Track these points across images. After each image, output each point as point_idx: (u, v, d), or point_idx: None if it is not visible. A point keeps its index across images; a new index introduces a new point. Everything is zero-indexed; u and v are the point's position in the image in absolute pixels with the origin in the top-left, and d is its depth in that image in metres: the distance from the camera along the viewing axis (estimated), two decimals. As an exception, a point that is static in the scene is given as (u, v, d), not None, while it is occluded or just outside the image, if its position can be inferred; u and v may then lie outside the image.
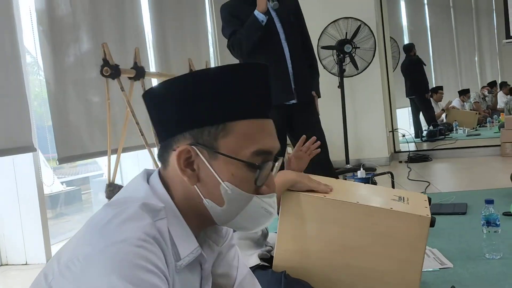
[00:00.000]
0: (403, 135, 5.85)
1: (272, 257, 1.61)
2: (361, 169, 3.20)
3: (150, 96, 0.81)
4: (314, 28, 4.39)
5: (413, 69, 7.11)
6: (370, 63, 4.56)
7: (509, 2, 4.56)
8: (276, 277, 1.45)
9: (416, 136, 7.00)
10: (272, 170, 0.82)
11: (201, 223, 0.82)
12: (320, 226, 1.53)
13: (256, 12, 2.58)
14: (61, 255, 0.73)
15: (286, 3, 2.69)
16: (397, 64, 6.94)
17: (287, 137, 2.82)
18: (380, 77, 4.95)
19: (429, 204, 1.65)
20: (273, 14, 2.68)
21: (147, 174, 0.84)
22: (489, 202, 1.88)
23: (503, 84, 9.06)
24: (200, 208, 0.79)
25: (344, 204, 1.51)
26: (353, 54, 4.48)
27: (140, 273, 0.66)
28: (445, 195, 3.07)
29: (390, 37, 5.78)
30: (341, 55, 4.46)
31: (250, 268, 1.52)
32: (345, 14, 4.55)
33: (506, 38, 4.61)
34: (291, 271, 1.52)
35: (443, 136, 6.69)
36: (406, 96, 7.38)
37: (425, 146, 6.20)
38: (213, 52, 4.64)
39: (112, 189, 2.96)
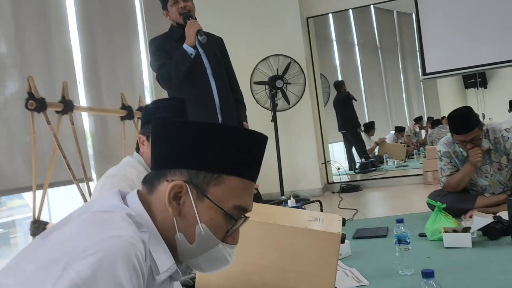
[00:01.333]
0: (338, 168, 6.10)
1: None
2: (291, 198, 3.31)
3: (164, 127, 0.90)
4: (246, 64, 4.58)
5: (343, 105, 7.49)
6: (301, 98, 4.77)
7: (424, 42, 5.00)
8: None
9: (350, 168, 7.30)
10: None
11: (171, 252, 0.88)
12: (240, 248, 1.58)
13: (185, 46, 2.67)
14: (35, 255, 0.75)
15: (212, 41, 2.82)
16: (328, 99, 7.29)
17: None
18: (312, 111, 5.17)
19: (343, 224, 1.75)
20: (201, 50, 2.79)
21: (122, 194, 0.90)
22: (400, 221, 2.02)
23: (429, 119, 9.70)
24: (170, 239, 0.87)
25: (262, 224, 1.58)
26: (285, 89, 4.67)
27: (127, 268, 0.71)
28: (370, 221, 3.23)
29: (321, 73, 6.08)
30: (273, 90, 4.64)
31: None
32: (276, 52, 4.77)
33: (423, 75, 5.01)
34: (212, 295, 1.55)
35: (375, 168, 7.01)
36: (339, 131, 7.72)
37: (358, 177, 6.47)
38: (149, 87, 4.67)
39: (38, 226, 2.86)
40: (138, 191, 0.91)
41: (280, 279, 1.55)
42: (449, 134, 2.99)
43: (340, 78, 8.87)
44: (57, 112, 3.02)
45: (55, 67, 3.26)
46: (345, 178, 5.83)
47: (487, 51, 4.75)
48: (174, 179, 0.86)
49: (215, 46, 2.86)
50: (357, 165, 7.32)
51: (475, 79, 9.82)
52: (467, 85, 10.62)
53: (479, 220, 2.32)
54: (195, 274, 1.69)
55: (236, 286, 1.57)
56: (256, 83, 4.71)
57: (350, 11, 9.10)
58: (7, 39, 2.91)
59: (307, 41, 5.41)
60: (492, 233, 2.34)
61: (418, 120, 9.94)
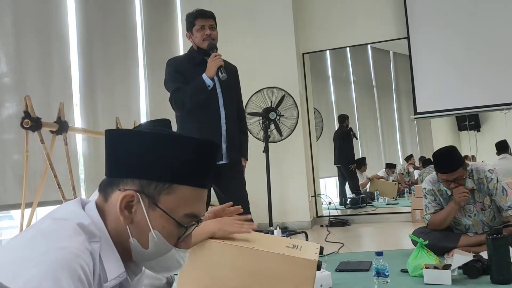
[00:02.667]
0: (329, 203, 6.15)
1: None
2: (278, 228, 3.34)
3: (116, 135, 0.93)
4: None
5: (342, 139, 7.55)
6: (293, 130, 4.85)
7: (416, 83, 5.13)
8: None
9: (342, 203, 7.34)
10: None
11: (125, 256, 0.92)
12: (216, 271, 1.61)
13: (204, 77, 2.73)
14: None
15: (228, 71, 2.85)
16: (321, 133, 7.39)
17: (217, 191, 2.94)
18: (303, 144, 5.25)
19: (321, 252, 1.79)
20: (215, 78, 2.83)
21: (82, 203, 0.93)
22: (379, 254, 2.05)
23: (421, 159, 9.80)
24: (125, 244, 0.90)
25: (241, 249, 1.61)
26: (278, 122, 4.76)
27: (72, 279, 0.73)
28: (354, 255, 3.24)
29: (314, 108, 6.20)
30: (267, 122, 4.72)
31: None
32: (270, 84, 4.88)
33: (414, 114, 5.12)
34: (189, 317, 1.57)
35: (365, 204, 7.04)
36: (334, 164, 7.77)
37: (348, 212, 6.49)
38: (146, 110, 4.73)
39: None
40: (96, 200, 0.93)
41: (256, 304, 1.57)
42: (434, 172, 3.05)
43: (335, 114, 9.02)
44: (51, 132, 3.07)
45: (53, 88, 3.34)
46: (335, 213, 5.86)
47: (478, 94, 4.89)
48: (126, 188, 0.88)
49: (230, 76, 2.87)
50: (348, 200, 7.36)
51: (468, 122, 9.97)
52: (461, 128, 10.76)
53: (459, 257, 2.35)
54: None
55: (213, 309, 1.59)
56: (250, 114, 4.80)
57: (348, 49, 9.35)
58: (7, 58, 3.00)
59: (302, 75, 5.54)
60: (472, 271, 2.37)
61: (409, 158, 10.04)
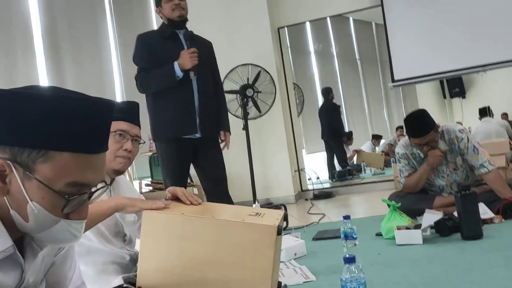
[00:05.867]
0: (317, 178, 6.17)
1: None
2: (257, 203, 3.35)
3: None
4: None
5: (330, 113, 7.45)
6: (271, 106, 4.83)
7: (392, 51, 5.11)
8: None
9: (332, 177, 7.34)
10: (89, 199, 0.87)
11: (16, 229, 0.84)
12: (179, 243, 1.61)
13: (176, 67, 2.66)
14: None
15: (199, 42, 2.83)
16: (302, 108, 7.35)
17: (194, 167, 2.92)
18: (283, 120, 5.23)
19: (285, 219, 1.79)
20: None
21: None
22: (346, 218, 2.06)
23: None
24: (8, 216, 0.82)
25: (200, 219, 1.61)
26: (256, 98, 4.73)
27: None
28: (334, 224, 3.26)
29: (294, 83, 6.16)
30: (244, 99, 4.69)
31: (112, 288, 1.56)
32: (246, 61, 4.84)
33: (392, 82, 5.12)
34: (152, 290, 1.58)
35: (352, 176, 7.07)
36: (322, 138, 7.73)
37: (335, 185, 6.51)
38: (121, 91, 4.68)
39: None
40: None
41: (218, 273, 1.58)
42: (407, 137, 3.05)
43: (319, 89, 8.97)
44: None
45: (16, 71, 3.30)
46: (321, 187, 5.88)
47: (454, 58, 4.87)
48: None
49: (203, 48, 2.84)
50: (335, 174, 7.37)
51: (453, 88, 10.01)
52: (446, 95, 10.83)
53: (429, 216, 2.37)
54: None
55: (177, 281, 1.59)
56: (227, 92, 4.75)
57: (328, 23, 9.26)
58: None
59: (279, 50, 5.49)
60: (443, 229, 2.40)
61: (398, 129, 10.08)
